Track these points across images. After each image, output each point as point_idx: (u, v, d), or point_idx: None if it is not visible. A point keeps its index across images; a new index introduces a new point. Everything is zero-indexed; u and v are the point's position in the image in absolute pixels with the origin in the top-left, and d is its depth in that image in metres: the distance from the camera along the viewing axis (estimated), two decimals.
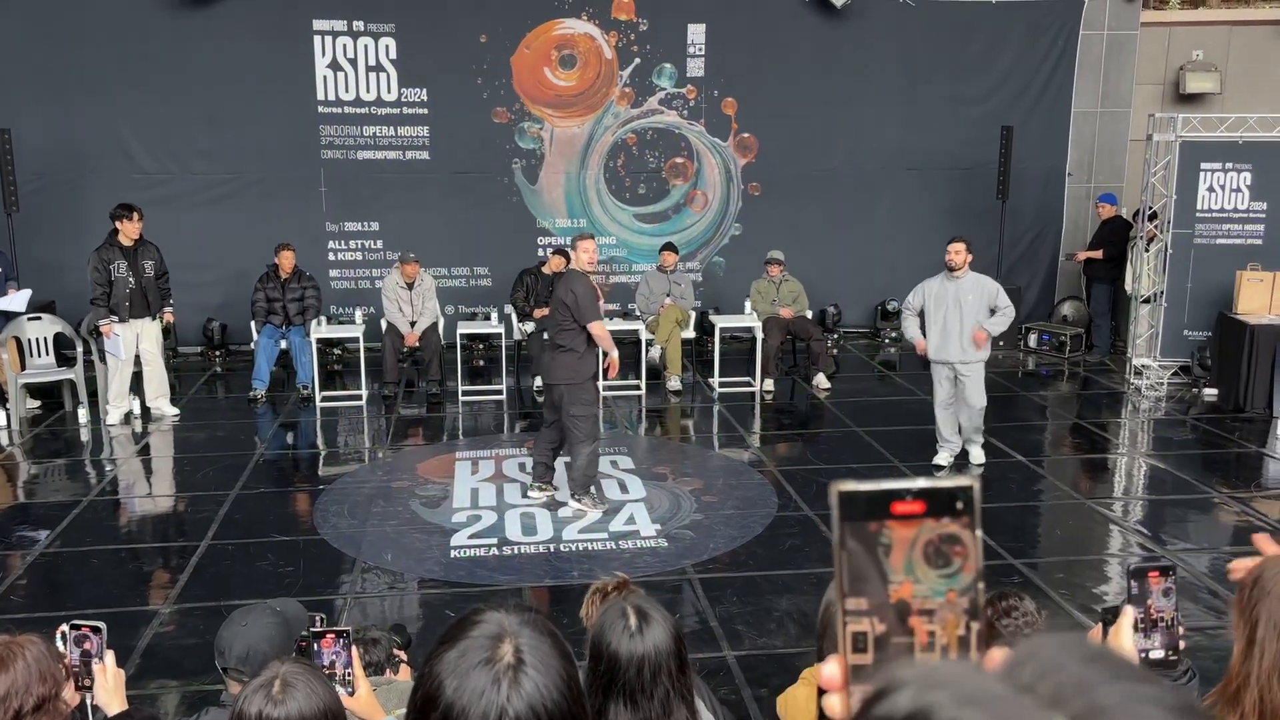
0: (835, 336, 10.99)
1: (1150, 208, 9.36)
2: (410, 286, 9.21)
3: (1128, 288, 9.93)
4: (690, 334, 9.92)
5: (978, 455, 7.45)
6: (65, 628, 2.20)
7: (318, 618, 2.77)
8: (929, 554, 0.71)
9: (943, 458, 7.37)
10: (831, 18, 10.70)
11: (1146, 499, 7.10)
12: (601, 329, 6.33)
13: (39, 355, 8.51)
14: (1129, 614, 1.65)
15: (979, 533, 0.70)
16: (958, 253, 7.03)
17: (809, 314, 9.92)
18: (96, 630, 2.19)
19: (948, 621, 0.71)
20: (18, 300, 8.53)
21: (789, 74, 10.85)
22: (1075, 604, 5.28)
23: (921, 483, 0.70)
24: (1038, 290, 11.51)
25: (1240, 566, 1.64)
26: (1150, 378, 9.32)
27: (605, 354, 6.59)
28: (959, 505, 0.70)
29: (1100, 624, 1.72)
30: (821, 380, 9.41)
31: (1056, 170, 11.31)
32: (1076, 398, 9.57)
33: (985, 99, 11.10)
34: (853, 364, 10.41)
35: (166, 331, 8.78)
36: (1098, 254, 10.38)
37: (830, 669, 0.71)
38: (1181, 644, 1.75)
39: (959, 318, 7.03)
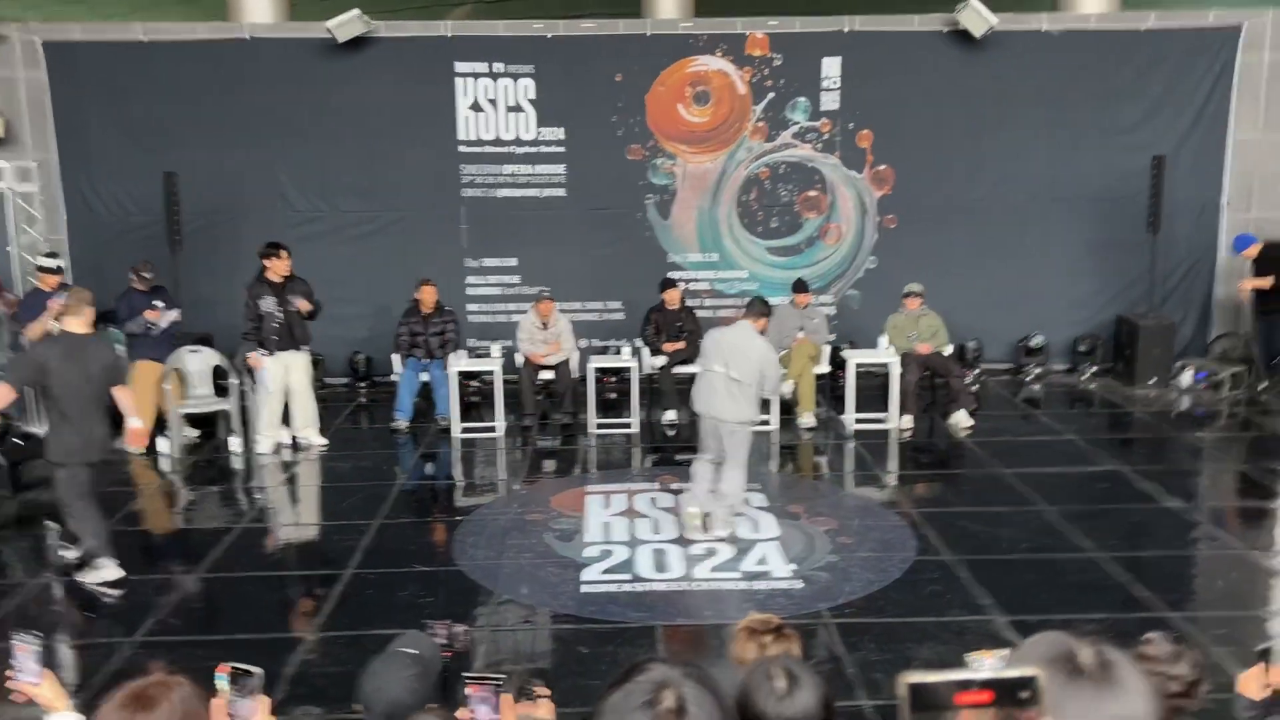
0: (976, 373, 10.69)
1: None
2: (545, 326, 9.36)
3: None
4: (824, 369, 9.79)
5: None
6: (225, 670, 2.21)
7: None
8: None
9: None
10: (970, 47, 10.48)
11: None
12: None
13: (197, 386, 8.95)
14: None
15: None
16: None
17: (949, 349, 9.66)
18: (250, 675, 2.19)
19: None
20: (170, 314, 8.87)
21: (927, 105, 10.66)
22: (1241, 664, 4.95)
23: (987, 673, 0.76)
24: (1192, 325, 10.96)
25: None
26: None
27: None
28: (1024, 695, 0.76)
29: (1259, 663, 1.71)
30: (962, 418, 9.14)
31: (1211, 200, 10.78)
32: (1238, 440, 9.05)
33: (1135, 128, 10.67)
34: (995, 402, 10.09)
35: (315, 363, 9.09)
36: (1266, 283, 9.79)
37: None
38: None
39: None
